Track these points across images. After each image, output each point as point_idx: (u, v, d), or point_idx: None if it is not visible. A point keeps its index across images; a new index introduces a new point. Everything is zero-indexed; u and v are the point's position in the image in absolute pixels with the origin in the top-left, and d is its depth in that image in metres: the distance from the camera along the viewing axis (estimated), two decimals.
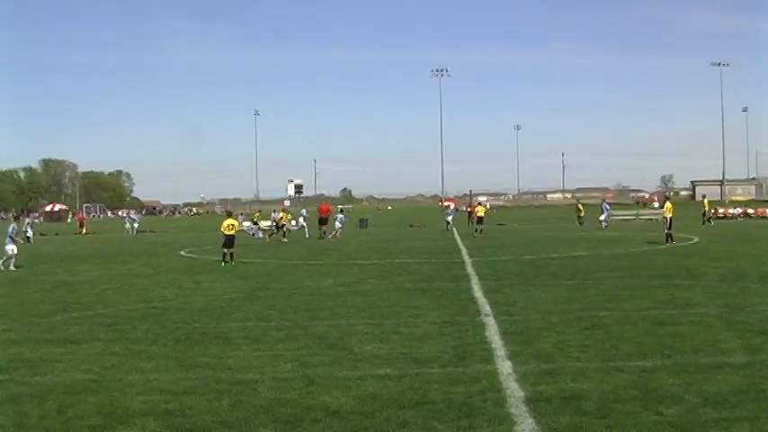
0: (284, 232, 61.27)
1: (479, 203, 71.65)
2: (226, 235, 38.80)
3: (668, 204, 48.59)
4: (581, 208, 78.40)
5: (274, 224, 62.67)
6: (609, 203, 75.93)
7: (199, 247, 54.32)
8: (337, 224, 63.12)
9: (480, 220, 61.49)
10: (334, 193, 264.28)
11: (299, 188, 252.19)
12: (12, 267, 37.44)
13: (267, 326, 18.84)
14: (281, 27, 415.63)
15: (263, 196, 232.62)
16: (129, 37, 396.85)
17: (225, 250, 38.52)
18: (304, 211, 73.28)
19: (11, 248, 38.07)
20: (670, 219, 46.78)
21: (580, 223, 73.45)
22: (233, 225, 39.68)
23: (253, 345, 16.42)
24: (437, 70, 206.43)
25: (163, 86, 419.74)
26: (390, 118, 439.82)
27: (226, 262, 37.73)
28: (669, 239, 45.54)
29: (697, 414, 10.59)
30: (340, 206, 79.19)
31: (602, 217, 68.50)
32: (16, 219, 54.89)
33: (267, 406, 11.52)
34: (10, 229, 39.63)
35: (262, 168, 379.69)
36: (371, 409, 11.20)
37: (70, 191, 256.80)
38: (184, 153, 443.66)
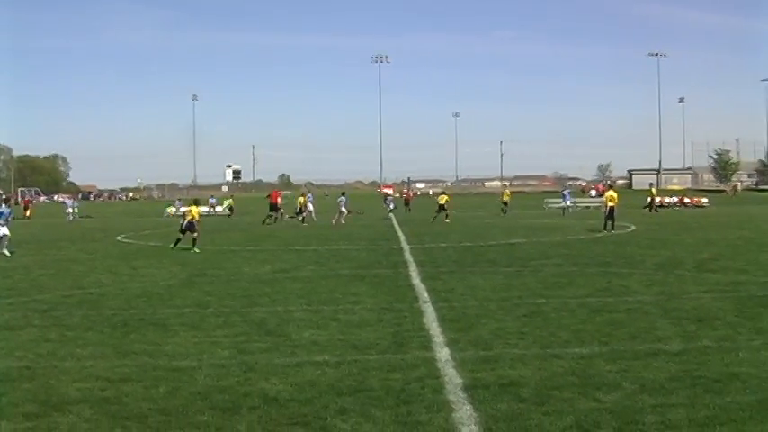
0: (303, 217, 61.33)
1: (443, 192, 72.56)
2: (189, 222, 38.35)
3: (609, 193, 49.11)
4: (508, 194, 79.17)
5: (297, 208, 62.79)
6: (569, 191, 76.27)
7: (136, 233, 53.94)
8: (342, 208, 62.32)
9: (441, 207, 61.66)
10: (273, 178, 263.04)
11: (237, 174, 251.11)
12: None
13: (205, 312, 18.73)
14: (219, 12, 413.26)
15: (200, 182, 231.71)
16: (66, 19, 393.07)
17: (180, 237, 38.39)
18: (310, 196, 72.91)
19: None
20: (611, 207, 47.01)
21: (503, 211, 73.84)
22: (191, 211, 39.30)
23: (190, 331, 16.31)
24: (377, 57, 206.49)
25: (100, 70, 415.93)
26: (330, 104, 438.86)
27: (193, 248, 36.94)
28: (606, 227, 46.14)
29: (634, 400, 10.67)
30: (342, 190, 78.49)
31: (568, 202, 69.23)
32: None
33: (204, 393, 11.45)
34: None
35: (200, 154, 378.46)
36: (309, 396, 11.17)
37: (5, 175, 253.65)
38: (121, 138, 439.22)
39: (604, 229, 46.09)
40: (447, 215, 61.24)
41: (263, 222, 61.69)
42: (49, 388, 11.93)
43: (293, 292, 21.87)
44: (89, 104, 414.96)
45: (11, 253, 35.76)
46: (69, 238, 51.02)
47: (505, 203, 74.87)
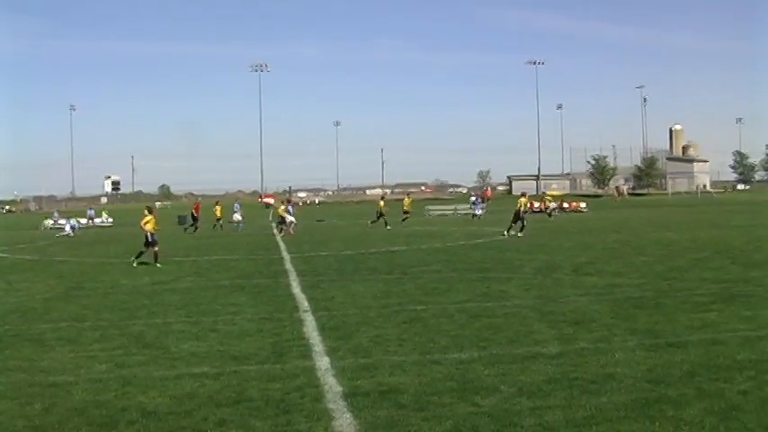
0: (282, 227, 59.93)
1: (407, 194, 73.25)
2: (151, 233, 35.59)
3: (522, 199, 50.52)
4: (409, 202, 79.10)
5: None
6: (478, 198, 75.86)
7: (11, 246, 52.87)
8: (289, 218, 59.00)
9: (381, 214, 63.13)
10: (153, 189, 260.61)
11: (116, 184, 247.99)
12: None
13: (82, 326, 18.44)
14: (97, 21, 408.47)
15: (79, 193, 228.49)
16: None
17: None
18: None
19: None
20: (517, 211, 48.80)
21: (376, 221, 72.46)
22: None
23: (67, 346, 16.04)
24: (257, 65, 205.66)
25: None
26: (210, 113, 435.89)
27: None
28: (510, 231, 47.91)
29: (512, 403, 10.79)
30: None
31: (478, 210, 69.47)
32: None
33: (81, 408, 11.27)
34: None
35: (78, 165, 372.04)
36: (189, 409, 11.08)
37: None
38: None
39: (518, 231, 47.74)
40: (386, 222, 63.21)
41: (186, 230, 62.01)
42: None
43: (172, 304, 21.65)
44: None
45: None
46: None
47: (407, 212, 74.24)
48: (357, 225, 70.58)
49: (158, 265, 33.42)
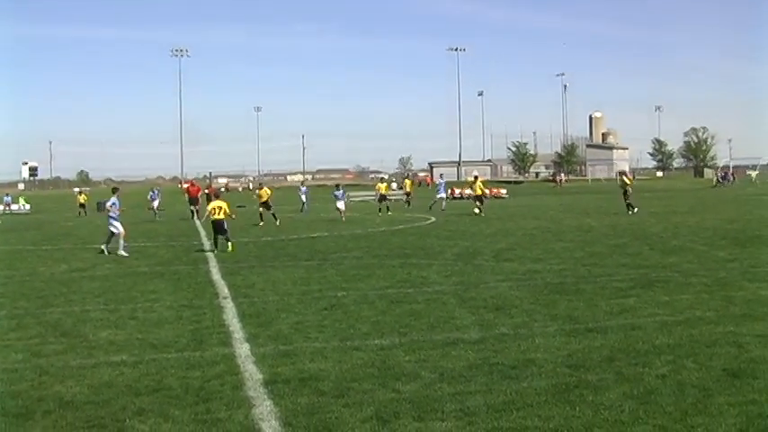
0: (387, 206, 59.53)
1: (407, 177, 72.86)
2: (214, 219, 32.14)
3: (478, 183, 54.99)
4: (264, 194, 78.69)
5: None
6: (443, 182, 74.38)
7: None
8: (340, 204, 54.97)
9: (382, 197, 61.68)
10: (71, 175, 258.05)
11: (33, 171, 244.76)
12: None
13: None
14: (14, 2, 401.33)
15: None
16: None
17: (216, 237, 32.24)
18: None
19: None
20: (478, 195, 53.90)
21: (408, 203, 71.47)
22: (222, 208, 32.25)
23: None
24: (176, 50, 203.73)
25: None
26: (128, 98, 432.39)
27: (221, 250, 31.48)
28: (480, 210, 51.88)
29: (433, 389, 10.81)
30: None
31: (441, 195, 68.84)
32: None
33: None
34: None
35: None
36: (107, 398, 10.97)
37: None
38: None
39: (479, 212, 51.58)
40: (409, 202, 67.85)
41: (190, 218, 59.06)
42: None
43: (90, 292, 21.42)
44: None
45: None
46: None
47: (408, 194, 73.19)
48: (277, 211, 70.28)
49: (229, 249, 31.12)
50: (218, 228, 31.85)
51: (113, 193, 34.52)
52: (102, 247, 32.20)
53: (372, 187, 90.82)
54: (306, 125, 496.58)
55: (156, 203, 67.60)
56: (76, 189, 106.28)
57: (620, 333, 14.07)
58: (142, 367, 12.66)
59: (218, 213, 31.80)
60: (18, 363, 13.36)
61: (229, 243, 31.49)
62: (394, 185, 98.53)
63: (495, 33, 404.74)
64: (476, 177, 58.39)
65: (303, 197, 70.68)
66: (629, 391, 10.49)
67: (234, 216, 33.91)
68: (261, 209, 50.99)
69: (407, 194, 72.47)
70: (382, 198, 60.71)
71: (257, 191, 52.64)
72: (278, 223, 47.66)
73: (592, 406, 9.86)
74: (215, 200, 32.48)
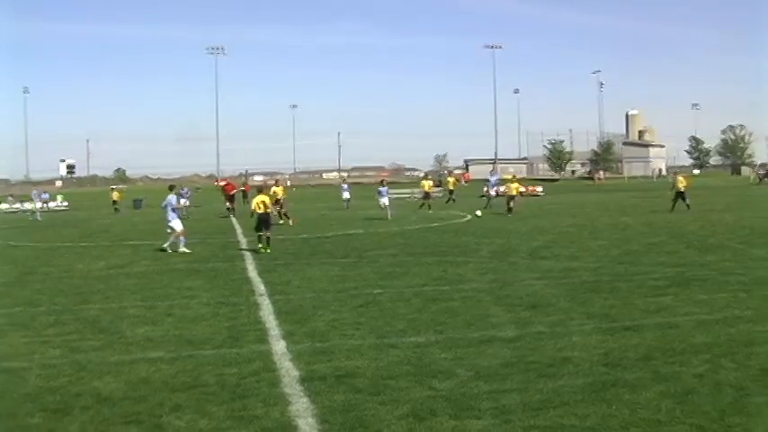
0: (429, 204, 59.49)
1: (450, 174, 72.69)
2: (258, 214, 31.23)
3: (514, 184, 54.24)
4: (453, 181, 77.62)
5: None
6: (497, 177, 73.21)
7: None
8: (384, 201, 52.48)
9: (427, 195, 61.64)
10: (108, 172, 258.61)
11: (71, 168, 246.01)
12: None
13: (36, 311, 18.31)
14: (53, 3, 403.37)
15: (33, 177, 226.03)
16: None
17: (259, 233, 31.19)
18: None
19: None
20: (511, 195, 52.81)
21: (453, 200, 70.13)
22: (265, 203, 31.57)
23: (20, 331, 15.94)
24: (213, 48, 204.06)
25: None
26: (165, 96, 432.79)
27: (263, 247, 30.61)
28: (510, 211, 50.72)
29: (469, 387, 10.80)
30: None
31: (492, 191, 68.24)
32: None
33: (35, 394, 11.21)
34: None
35: (32, 148, 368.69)
36: (144, 394, 11.03)
37: None
38: None
39: (509, 212, 50.49)
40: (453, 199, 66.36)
41: (224, 216, 58.75)
42: None
43: (127, 288, 21.54)
44: None
45: None
46: None
47: (451, 191, 72.96)
48: (313, 209, 70.32)
49: (268, 249, 30.45)
50: (263, 222, 31.04)
51: (170, 190, 34.25)
52: (165, 245, 31.82)
53: (408, 185, 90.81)
54: (341, 123, 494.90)
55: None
56: (113, 186, 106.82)
57: (657, 332, 14.00)
58: (179, 364, 12.72)
59: (262, 208, 31.20)
60: (56, 358, 13.44)
61: (268, 244, 30.67)
62: (431, 183, 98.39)
63: (531, 31, 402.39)
64: (513, 177, 58.22)
65: (346, 194, 70.76)
66: (666, 390, 10.44)
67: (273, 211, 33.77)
68: (277, 208, 49.27)
69: (450, 192, 72.17)
70: (426, 195, 60.70)
71: (272, 188, 51.55)
72: (290, 222, 46.45)
73: (629, 405, 9.83)
74: (258, 195, 32.04)
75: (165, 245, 31.21)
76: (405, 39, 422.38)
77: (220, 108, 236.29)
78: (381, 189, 53.37)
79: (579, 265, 23.33)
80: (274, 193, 48.55)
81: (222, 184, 69.18)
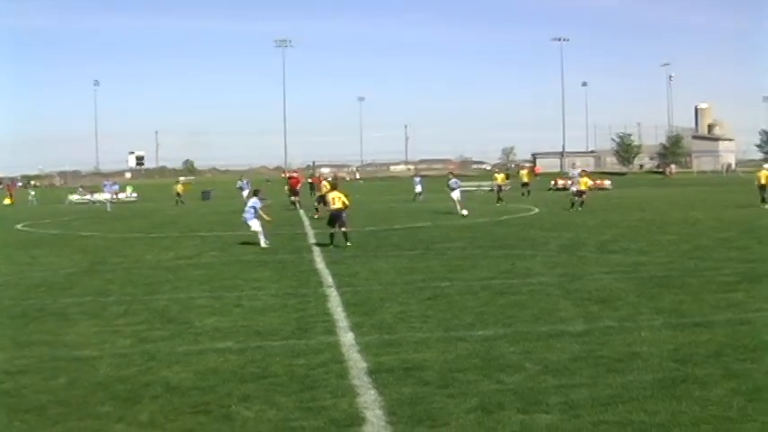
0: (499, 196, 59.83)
1: (522, 166, 72.71)
2: (333, 209, 30.16)
3: (584, 179, 53.74)
4: (528, 174, 78.01)
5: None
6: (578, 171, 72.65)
7: (36, 221, 53.07)
8: (455, 194, 49.70)
9: (500, 188, 62.05)
10: (177, 164, 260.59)
11: (140, 160, 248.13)
12: None
13: (106, 301, 18.51)
14: None
15: (103, 168, 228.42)
16: None
17: (332, 230, 29.91)
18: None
19: None
20: (581, 190, 51.99)
21: (528, 193, 70.60)
22: (342, 198, 30.24)
23: (91, 320, 16.12)
24: (280, 41, 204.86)
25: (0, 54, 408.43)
26: (233, 89, 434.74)
27: (334, 244, 29.21)
28: (573, 206, 49.99)
29: (537, 381, 10.76)
30: (416, 168, 77.70)
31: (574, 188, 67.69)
32: None
33: (105, 383, 11.32)
34: None
35: (102, 140, 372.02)
36: (212, 384, 11.10)
37: None
38: (22, 124, 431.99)
39: (575, 206, 49.73)
40: (529, 191, 66.95)
41: (294, 208, 58.79)
42: None
43: (196, 279, 21.71)
44: None
45: None
46: None
47: (526, 184, 72.68)
48: (381, 201, 70.37)
49: (347, 243, 29.17)
50: (335, 218, 29.97)
51: (255, 195, 34.21)
52: (263, 244, 31.00)
53: (475, 178, 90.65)
54: (408, 115, 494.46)
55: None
56: (182, 178, 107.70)
57: (728, 328, 13.83)
58: (247, 354, 12.79)
59: (337, 203, 30.04)
60: (126, 348, 13.58)
61: (347, 238, 29.39)
62: (504, 175, 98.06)
63: (599, 23, 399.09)
64: (583, 171, 57.74)
65: (418, 187, 70.86)
66: (737, 387, 10.30)
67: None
68: (316, 203, 48.07)
69: (525, 184, 71.80)
70: (499, 188, 60.46)
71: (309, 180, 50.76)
72: (316, 216, 45.48)
73: (699, 401, 9.71)
74: (332, 190, 31.36)
75: (263, 244, 30.73)
76: (472, 31, 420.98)
77: (288, 100, 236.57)
78: (451, 182, 51.78)
79: (648, 260, 23.13)
80: (318, 188, 49.02)
81: (289, 176, 69.04)
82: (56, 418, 9.82)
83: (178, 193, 77.69)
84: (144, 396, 10.61)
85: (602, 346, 12.68)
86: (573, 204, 50.24)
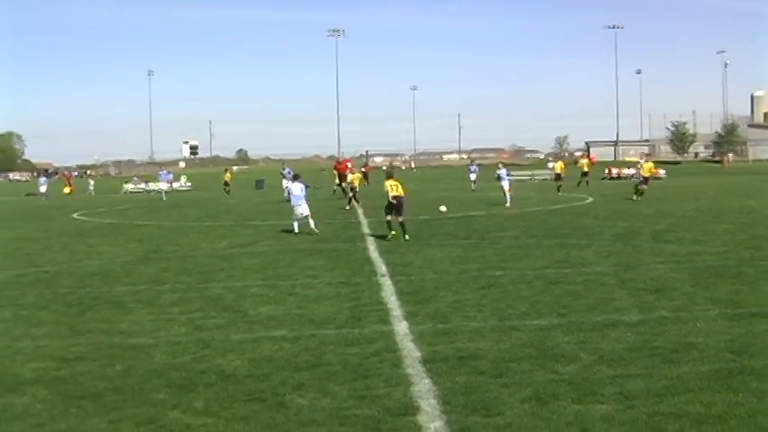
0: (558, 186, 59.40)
1: (583, 155, 72.34)
2: (391, 196, 28.40)
3: (648, 164, 52.90)
4: (588, 163, 77.30)
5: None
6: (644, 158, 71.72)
7: (92, 210, 53.55)
8: (505, 184, 47.94)
9: (558, 177, 61.05)
10: (230, 153, 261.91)
11: (194, 149, 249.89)
12: None
13: (161, 289, 18.64)
14: None
15: (157, 157, 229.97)
16: None
17: (389, 218, 28.66)
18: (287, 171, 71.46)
19: None
20: (645, 177, 51.05)
21: (587, 183, 69.68)
22: (398, 186, 28.78)
23: (146, 308, 16.23)
24: (333, 31, 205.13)
25: (54, 45, 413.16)
26: (286, 78, 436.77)
27: (395, 234, 28.02)
28: (637, 193, 48.80)
29: (592, 371, 10.69)
30: (473, 157, 77.76)
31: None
32: None
33: (161, 371, 11.38)
34: None
35: (156, 129, 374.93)
36: (266, 372, 11.13)
37: None
38: (77, 114, 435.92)
39: (636, 195, 48.67)
40: (587, 182, 64.27)
41: (334, 192, 58.66)
42: (2, 369, 11.85)
43: (250, 268, 21.80)
44: (44, 81, 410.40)
45: None
46: (24, 216, 50.55)
47: (586, 173, 72.22)
48: (434, 190, 70.31)
49: (405, 236, 27.73)
50: (395, 207, 28.38)
51: (295, 179, 34.40)
52: (312, 228, 30.91)
53: (528, 167, 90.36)
54: (461, 104, 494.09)
55: (286, 182, 67.32)
56: (235, 167, 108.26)
57: None
58: (301, 342, 12.82)
59: (396, 190, 28.46)
60: (181, 336, 13.66)
61: (405, 230, 27.93)
62: (550, 165, 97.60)
63: (653, 10, 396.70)
64: (646, 156, 57.02)
65: (473, 175, 70.78)
66: None
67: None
68: (351, 193, 47.87)
69: (584, 173, 71.31)
70: (558, 177, 60.03)
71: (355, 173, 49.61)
72: (347, 208, 45.48)
73: (756, 393, 9.61)
74: (387, 179, 30.55)
75: (314, 228, 30.72)
76: (525, 19, 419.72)
77: (340, 89, 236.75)
78: (500, 172, 49.98)
79: (704, 250, 22.93)
80: (352, 180, 48.48)
81: (336, 162, 68.80)
82: (111, 405, 9.89)
83: (226, 182, 78.11)
84: (199, 384, 10.66)
85: (658, 336, 12.59)
86: (641, 192, 49.01)
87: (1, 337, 13.96)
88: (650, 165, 52.59)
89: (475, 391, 9.92)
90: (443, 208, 35.34)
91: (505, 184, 47.45)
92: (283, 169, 67.91)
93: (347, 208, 45.02)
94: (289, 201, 32.94)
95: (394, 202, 28.31)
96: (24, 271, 22.61)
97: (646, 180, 50.56)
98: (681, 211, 38.50)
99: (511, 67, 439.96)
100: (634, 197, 48.25)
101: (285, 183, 55.02)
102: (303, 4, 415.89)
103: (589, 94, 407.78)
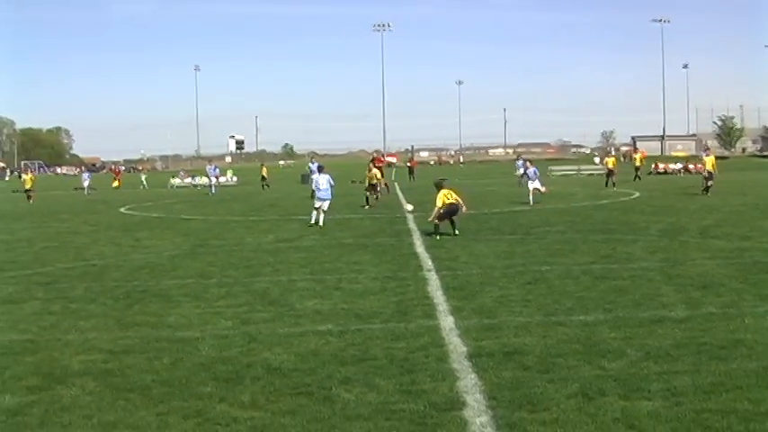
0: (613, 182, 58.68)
1: (635, 150, 71.38)
2: (446, 204, 27.47)
3: (710, 158, 51.19)
4: (640, 158, 77.10)
5: None
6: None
7: (139, 204, 53.86)
8: (533, 184, 45.83)
9: (611, 172, 59.94)
10: (276, 148, 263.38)
11: (240, 144, 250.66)
12: None
13: (208, 283, 18.73)
14: None
15: (204, 152, 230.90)
16: None
17: (437, 221, 27.31)
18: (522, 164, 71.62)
19: None
20: (709, 171, 49.29)
21: (639, 177, 69.43)
22: (452, 194, 27.95)
23: (193, 302, 16.32)
24: (379, 25, 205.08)
25: (102, 41, 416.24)
26: (332, 73, 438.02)
27: (440, 234, 26.90)
28: (707, 190, 47.63)
29: (639, 368, 10.63)
30: (519, 151, 76.89)
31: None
32: None
33: (208, 364, 11.45)
34: None
35: (203, 124, 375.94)
36: (313, 366, 11.16)
37: (8, 148, 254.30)
38: (124, 109, 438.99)
39: (705, 191, 47.55)
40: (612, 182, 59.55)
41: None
42: (51, 361, 11.94)
43: (296, 262, 21.86)
44: (92, 76, 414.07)
45: None
46: (71, 210, 50.90)
47: (638, 168, 71.81)
48: (480, 185, 70.17)
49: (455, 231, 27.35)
50: (450, 213, 27.66)
51: (320, 171, 34.66)
52: (321, 221, 31.98)
53: (575, 161, 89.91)
54: (507, 99, 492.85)
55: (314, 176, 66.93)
56: (282, 162, 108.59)
57: None
58: (348, 337, 12.85)
59: (451, 198, 27.73)
60: (228, 329, 13.73)
61: (455, 227, 27.56)
62: (596, 160, 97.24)
63: (699, 3, 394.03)
64: (707, 149, 56.39)
65: (521, 170, 70.46)
66: None
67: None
68: (366, 191, 46.07)
69: (637, 168, 70.87)
70: (610, 173, 59.52)
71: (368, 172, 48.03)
72: (367, 207, 43.87)
73: None
74: (439, 190, 29.23)
75: (321, 222, 31.18)
76: (570, 13, 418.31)
77: (386, 84, 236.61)
78: (529, 171, 46.98)
79: (751, 245, 22.74)
80: (371, 177, 46.62)
81: (373, 156, 68.53)
82: (159, 398, 9.96)
83: (263, 177, 78.49)
84: (245, 377, 10.72)
85: (705, 332, 12.51)
86: (707, 188, 47.85)
87: (50, 330, 14.10)
88: (712, 158, 51.28)
89: (521, 387, 9.90)
90: (410, 207, 34.93)
91: (537, 184, 44.52)
92: (312, 162, 67.93)
93: (367, 207, 43.86)
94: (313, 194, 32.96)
95: (447, 210, 27.52)
96: (73, 264, 22.81)
97: (711, 175, 49.23)
98: (728, 206, 38.18)
99: (557, 61, 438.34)
100: (702, 193, 47.35)
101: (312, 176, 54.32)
102: None
103: (635, 88, 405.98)
